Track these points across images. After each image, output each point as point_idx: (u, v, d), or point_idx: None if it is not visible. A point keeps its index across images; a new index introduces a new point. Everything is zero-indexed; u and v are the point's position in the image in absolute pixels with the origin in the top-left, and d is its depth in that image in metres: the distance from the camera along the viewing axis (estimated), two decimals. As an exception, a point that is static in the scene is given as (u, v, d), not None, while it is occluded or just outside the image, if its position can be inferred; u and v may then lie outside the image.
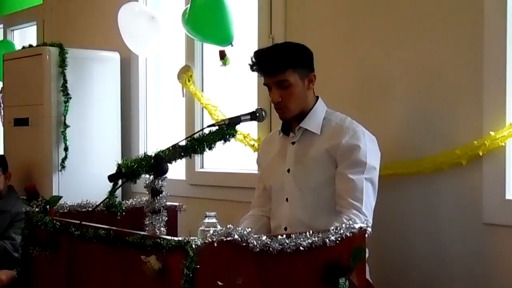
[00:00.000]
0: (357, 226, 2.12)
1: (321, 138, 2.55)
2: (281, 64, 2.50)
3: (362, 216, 2.38)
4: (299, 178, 2.56)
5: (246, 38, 3.70)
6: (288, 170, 2.59)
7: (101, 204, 2.29)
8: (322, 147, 2.51)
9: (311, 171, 2.53)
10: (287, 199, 2.58)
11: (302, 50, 2.60)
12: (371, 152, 2.50)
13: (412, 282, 2.90)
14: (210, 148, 2.24)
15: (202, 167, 3.99)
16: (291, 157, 2.60)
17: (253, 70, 2.58)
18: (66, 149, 4.18)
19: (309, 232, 2.00)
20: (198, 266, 1.78)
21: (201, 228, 2.22)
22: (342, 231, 2.06)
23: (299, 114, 2.58)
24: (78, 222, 2.23)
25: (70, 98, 4.18)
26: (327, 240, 2.01)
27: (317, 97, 2.65)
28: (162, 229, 2.19)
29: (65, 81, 4.16)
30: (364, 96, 3.11)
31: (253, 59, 2.56)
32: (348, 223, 2.14)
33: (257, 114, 2.48)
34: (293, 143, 2.60)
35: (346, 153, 2.46)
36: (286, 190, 2.59)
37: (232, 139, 2.31)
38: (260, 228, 2.64)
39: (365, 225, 2.16)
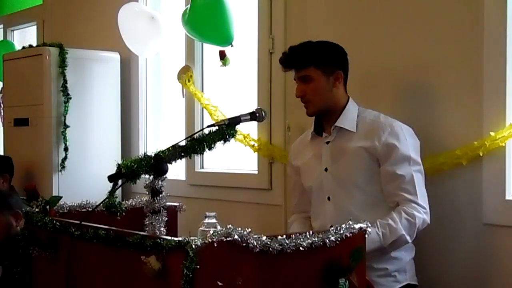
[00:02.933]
0: (357, 226, 2.12)
1: (357, 135, 2.58)
2: (303, 60, 2.60)
3: (420, 208, 2.47)
4: (339, 176, 2.59)
5: (246, 38, 3.70)
6: (326, 169, 2.62)
7: (101, 204, 2.28)
8: (360, 144, 2.55)
9: (352, 168, 2.57)
10: (329, 198, 2.62)
11: (328, 48, 2.65)
12: (411, 144, 2.55)
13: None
14: (210, 148, 2.24)
15: (202, 167, 3.99)
16: (327, 156, 2.63)
17: (281, 65, 2.67)
18: (66, 149, 4.19)
19: (309, 232, 2.00)
20: (198, 267, 1.78)
21: (201, 228, 2.22)
22: (342, 231, 2.06)
23: (329, 113, 2.63)
24: (78, 222, 2.23)
25: (70, 98, 4.18)
26: (327, 240, 2.01)
27: (348, 97, 2.67)
28: (162, 229, 2.20)
29: (65, 81, 4.17)
30: (363, 95, 3.10)
31: (284, 54, 2.66)
32: (405, 215, 2.37)
33: (257, 114, 2.47)
34: (327, 142, 2.64)
35: (388, 151, 2.51)
36: (326, 189, 2.63)
37: (232, 139, 2.31)
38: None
39: (365, 225, 2.16)
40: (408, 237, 2.46)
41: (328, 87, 2.60)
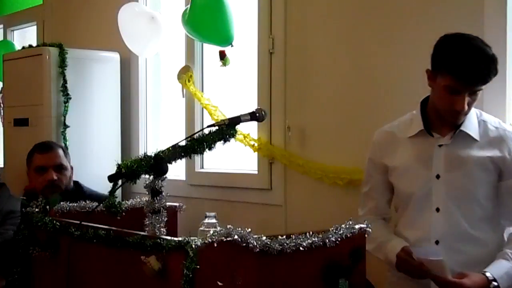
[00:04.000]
0: (357, 226, 2.12)
1: (480, 143, 2.34)
2: (490, 75, 2.25)
3: None
4: (455, 186, 2.33)
5: (246, 38, 3.71)
6: (437, 176, 2.35)
7: (101, 204, 2.29)
8: (486, 154, 2.32)
9: (474, 180, 2.32)
10: (437, 209, 2.34)
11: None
12: None
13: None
14: (210, 148, 2.24)
15: (202, 167, 3.99)
16: (440, 161, 2.35)
17: (463, 81, 2.23)
18: (66, 149, 4.18)
19: (309, 232, 2.00)
20: (198, 266, 1.78)
21: (201, 228, 2.22)
22: (342, 231, 2.06)
23: None
24: (78, 222, 2.23)
25: (70, 98, 4.17)
26: (327, 240, 2.01)
27: None
28: (162, 229, 2.20)
29: (65, 81, 4.16)
30: (364, 96, 3.11)
31: (460, 66, 2.22)
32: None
33: (257, 114, 2.47)
34: (440, 145, 2.36)
35: None
36: (435, 198, 2.34)
37: (232, 139, 2.31)
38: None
39: (365, 226, 2.16)
40: None
41: None
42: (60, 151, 3.44)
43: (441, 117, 2.35)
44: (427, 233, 2.33)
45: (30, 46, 4.56)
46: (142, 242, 1.95)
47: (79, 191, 3.44)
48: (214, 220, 2.24)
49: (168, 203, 2.25)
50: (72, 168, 3.52)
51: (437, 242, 2.31)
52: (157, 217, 2.19)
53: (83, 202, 2.67)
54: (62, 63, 4.16)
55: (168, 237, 1.90)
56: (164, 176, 2.19)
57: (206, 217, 2.26)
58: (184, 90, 3.98)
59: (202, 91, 3.96)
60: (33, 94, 4.27)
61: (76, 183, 3.55)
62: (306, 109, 3.36)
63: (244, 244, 1.85)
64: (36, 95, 4.23)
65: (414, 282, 2.32)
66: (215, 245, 1.81)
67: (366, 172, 2.57)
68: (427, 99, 2.44)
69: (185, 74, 3.95)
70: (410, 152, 2.41)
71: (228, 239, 1.83)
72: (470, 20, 2.72)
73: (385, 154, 2.47)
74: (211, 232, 1.87)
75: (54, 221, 2.34)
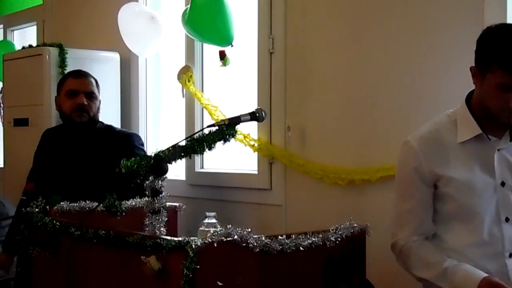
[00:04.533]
0: (357, 226, 2.12)
1: None
2: None
3: None
4: None
5: (246, 38, 3.71)
6: (502, 184, 2.16)
7: (101, 204, 2.29)
8: None
9: None
10: (507, 219, 2.16)
11: None
12: None
13: (411, 282, 2.89)
14: (210, 148, 2.24)
15: (202, 167, 3.99)
16: (503, 167, 2.17)
17: (510, 71, 2.02)
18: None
19: (309, 232, 2.00)
20: (198, 266, 1.78)
21: (201, 228, 2.22)
22: (342, 231, 2.06)
23: None
24: (78, 222, 2.24)
25: (70, 98, 4.17)
26: (327, 240, 2.01)
27: None
28: (162, 229, 2.20)
29: (65, 81, 4.16)
30: (364, 95, 3.11)
31: None
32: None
33: (257, 114, 2.47)
34: (498, 149, 2.18)
35: None
36: (502, 208, 2.16)
37: (232, 139, 2.31)
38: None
39: (365, 226, 2.16)
40: None
41: None
42: (93, 80, 3.42)
43: (492, 117, 2.13)
44: (500, 247, 2.16)
45: (30, 46, 4.56)
46: (142, 242, 1.95)
47: (109, 129, 3.44)
48: (214, 220, 2.24)
49: (168, 203, 2.26)
50: (100, 101, 3.46)
51: (510, 255, 2.16)
52: (157, 217, 2.19)
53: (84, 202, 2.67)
54: (62, 63, 4.16)
55: (168, 237, 1.91)
56: (164, 176, 2.19)
57: (206, 217, 2.26)
58: (184, 90, 3.98)
59: (202, 91, 3.96)
60: (33, 94, 4.27)
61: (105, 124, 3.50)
62: (306, 109, 3.36)
63: (244, 244, 1.85)
64: (36, 95, 4.23)
65: None
66: (215, 245, 1.81)
67: (409, 186, 2.23)
68: (469, 97, 2.23)
69: (185, 74, 3.95)
70: (467, 159, 2.17)
71: (228, 239, 1.83)
72: (470, 20, 2.72)
73: (435, 163, 2.18)
74: (211, 232, 1.87)
75: (54, 221, 2.34)
